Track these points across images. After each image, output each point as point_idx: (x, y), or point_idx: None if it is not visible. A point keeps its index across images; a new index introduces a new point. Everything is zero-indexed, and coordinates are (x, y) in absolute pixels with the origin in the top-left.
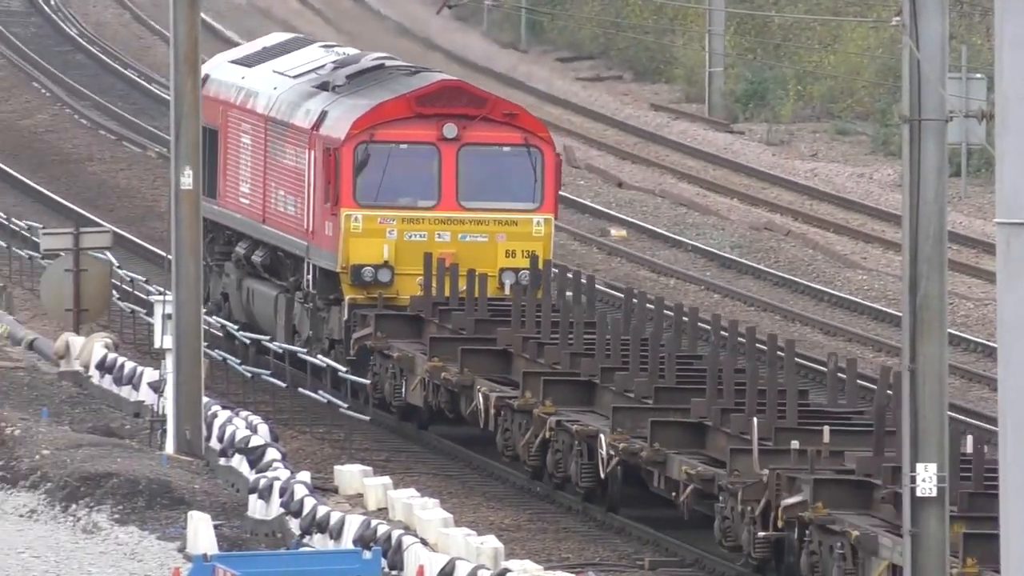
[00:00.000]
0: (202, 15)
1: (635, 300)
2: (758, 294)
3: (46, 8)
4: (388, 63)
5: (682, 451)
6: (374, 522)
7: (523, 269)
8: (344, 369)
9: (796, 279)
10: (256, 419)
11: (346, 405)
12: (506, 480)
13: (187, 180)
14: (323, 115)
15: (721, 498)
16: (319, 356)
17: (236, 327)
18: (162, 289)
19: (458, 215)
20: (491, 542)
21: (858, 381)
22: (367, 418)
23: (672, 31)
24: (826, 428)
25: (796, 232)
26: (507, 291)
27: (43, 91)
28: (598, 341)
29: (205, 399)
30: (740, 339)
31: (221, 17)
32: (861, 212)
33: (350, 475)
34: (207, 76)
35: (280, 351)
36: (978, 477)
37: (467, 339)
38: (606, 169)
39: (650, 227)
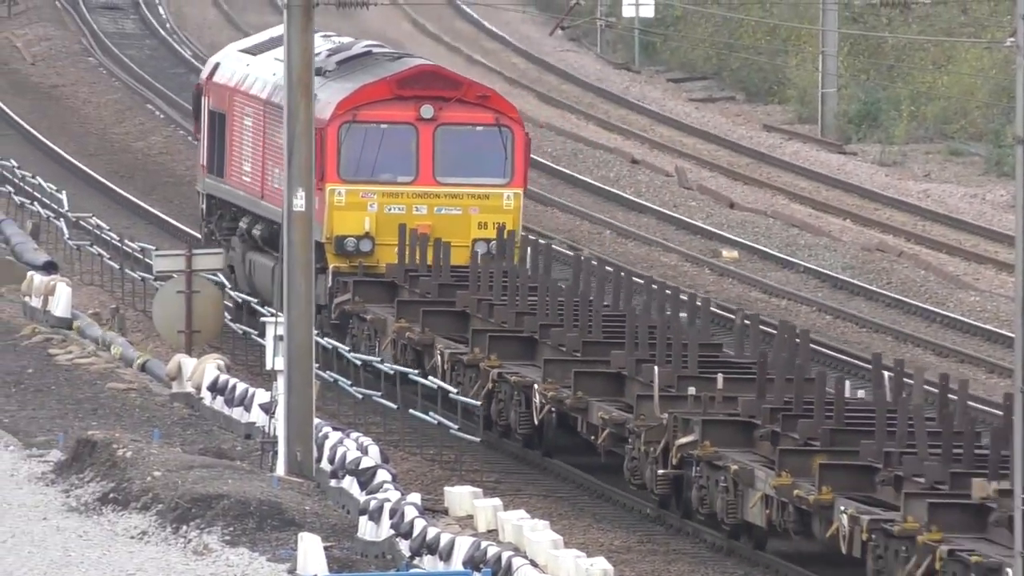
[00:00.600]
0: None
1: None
2: (870, 315)
3: (161, 31)
4: (376, 50)
5: (603, 399)
6: (484, 544)
7: (494, 239)
8: (455, 390)
9: (908, 300)
10: (367, 440)
11: (456, 426)
12: (617, 502)
13: (299, 202)
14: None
15: (629, 440)
16: (430, 378)
17: (347, 349)
18: (273, 310)
19: (434, 190)
20: (600, 564)
21: (969, 403)
22: (477, 439)
23: (785, 52)
24: (720, 376)
25: (908, 253)
26: (478, 260)
27: (157, 113)
28: (539, 302)
29: (316, 420)
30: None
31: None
32: (974, 233)
33: (460, 496)
34: (217, 64)
35: (391, 372)
36: None
37: (430, 302)
38: (718, 190)
39: (762, 248)
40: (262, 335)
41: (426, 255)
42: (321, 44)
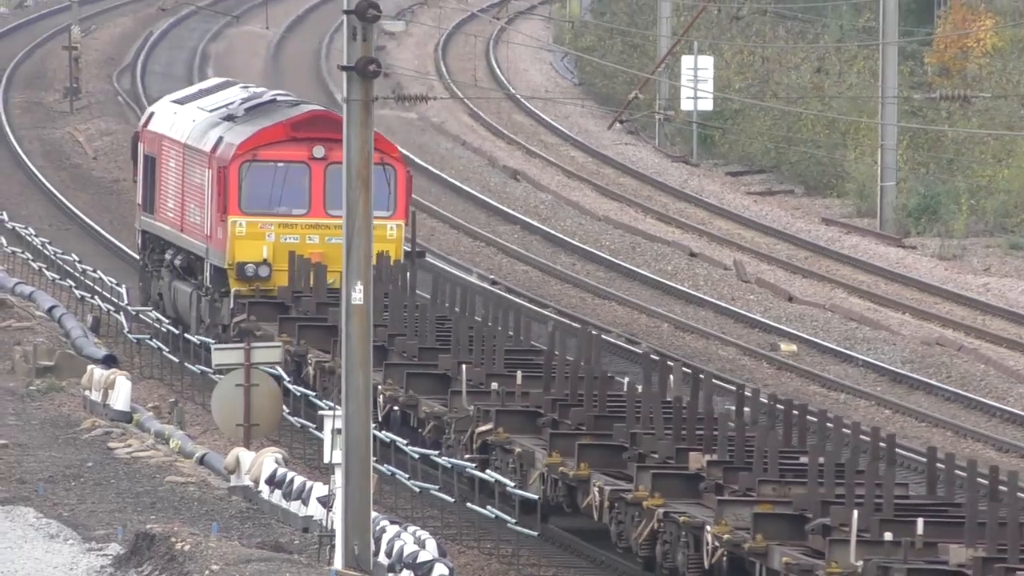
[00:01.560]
0: (375, 131)
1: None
2: (930, 410)
3: None
4: (280, 98)
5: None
6: None
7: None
8: (512, 484)
9: (968, 395)
10: (424, 534)
11: (514, 520)
12: None
13: (358, 296)
14: (219, 140)
15: (446, 431)
16: (488, 472)
17: (405, 443)
18: (331, 404)
19: (325, 221)
20: None
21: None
22: (535, 533)
23: (844, 145)
24: (519, 372)
25: (968, 347)
26: None
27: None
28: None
29: (374, 514)
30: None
31: (391, 133)
32: None
33: None
34: (152, 113)
35: (448, 465)
36: None
37: (308, 318)
38: (776, 283)
39: (820, 342)
40: (320, 428)
41: (309, 279)
42: (238, 93)
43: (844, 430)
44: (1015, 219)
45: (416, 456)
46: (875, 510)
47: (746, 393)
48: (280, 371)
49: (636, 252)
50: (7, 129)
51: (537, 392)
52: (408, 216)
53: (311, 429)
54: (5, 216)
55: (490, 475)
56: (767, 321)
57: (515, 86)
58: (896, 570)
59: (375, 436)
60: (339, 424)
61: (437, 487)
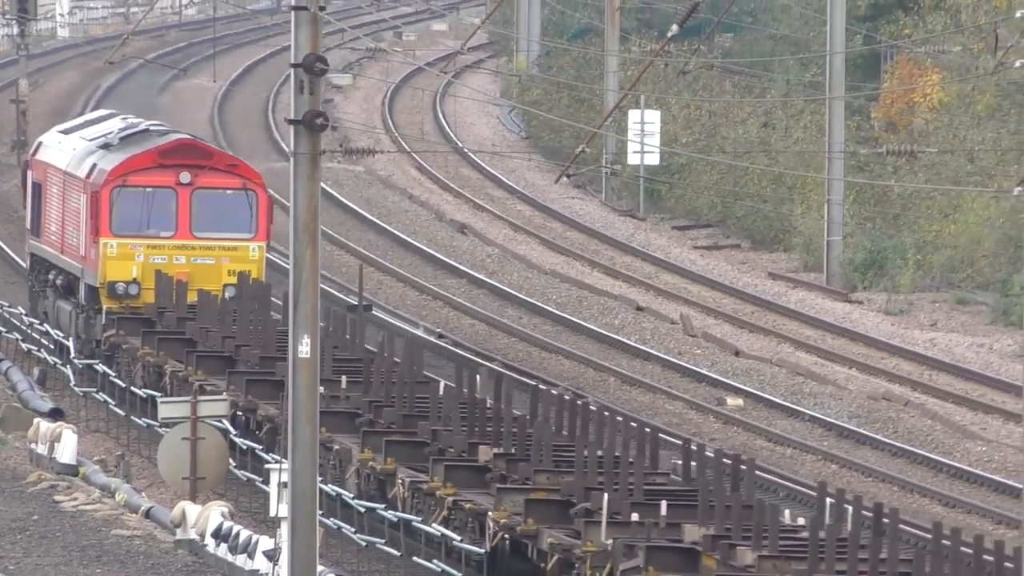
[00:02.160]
0: (322, 185)
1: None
2: (876, 464)
3: None
4: (152, 128)
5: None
6: None
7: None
8: (458, 538)
9: (915, 449)
10: None
11: (460, 574)
12: None
13: (304, 348)
14: (94, 167)
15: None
16: (433, 525)
17: (351, 496)
18: (278, 457)
19: (191, 242)
20: None
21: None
22: None
23: (791, 200)
24: (343, 377)
25: (915, 402)
26: (226, 299)
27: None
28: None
29: (320, 568)
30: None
31: (339, 186)
32: (981, 383)
33: None
34: (40, 143)
35: (395, 520)
36: None
37: (171, 332)
38: (723, 338)
39: (767, 396)
40: (266, 482)
41: (173, 296)
42: (117, 124)
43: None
44: (961, 274)
45: (363, 510)
46: (628, 495)
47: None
48: (226, 424)
49: (583, 306)
50: None
51: (357, 395)
52: (269, 238)
53: (257, 482)
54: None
55: (436, 528)
56: (714, 375)
57: (462, 140)
58: (639, 547)
59: (321, 489)
60: (285, 477)
61: (384, 540)
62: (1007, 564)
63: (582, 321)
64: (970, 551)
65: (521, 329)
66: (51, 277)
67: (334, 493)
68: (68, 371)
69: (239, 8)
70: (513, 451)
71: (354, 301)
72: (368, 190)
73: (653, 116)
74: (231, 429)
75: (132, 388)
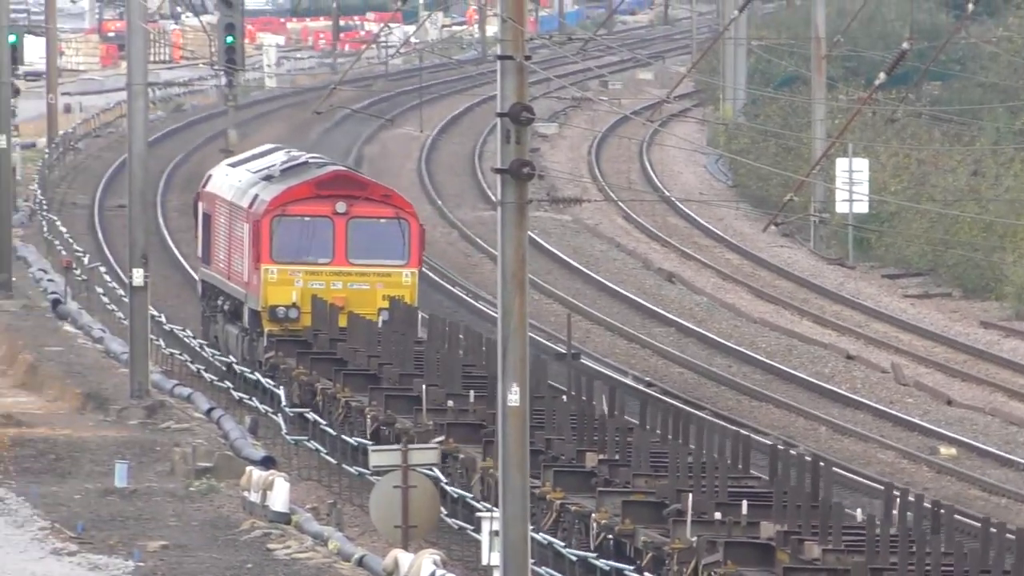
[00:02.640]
0: (529, 233)
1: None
2: None
3: None
4: (312, 160)
5: None
6: None
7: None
8: None
9: None
10: None
11: None
12: None
13: (514, 397)
14: (256, 197)
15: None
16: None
17: (562, 544)
18: (489, 505)
19: (347, 269)
20: None
21: None
22: None
23: (1002, 248)
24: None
25: None
26: (380, 324)
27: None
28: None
29: None
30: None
31: (547, 234)
32: None
33: None
34: (210, 176)
35: (607, 568)
36: None
37: (323, 353)
38: (935, 387)
39: (981, 446)
40: (478, 530)
41: (332, 319)
42: (280, 157)
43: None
44: None
45: (574, 558)
46: (714, 496)
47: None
48: (437, 472)
49: (792, 354)
50: (165, 232)
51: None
52: (420, 264)
53: (469, 531)
54: (163, 318)
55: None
56: (926, 424)
57: (669, 188)
58: (719, 543)
59: (533, 538)
60: (497, 526)
61: None
62: None
63: (792, 370)
64: None
65: (730, 378)
66: (220, 303)
67: (545, 541)
68: (280, 419)
69: (445, 58)
70: (616, 457)
71: (562, 350)
72: (575, 239)
73: (861, 164)
74: (442, 477)
75: (343, 436)
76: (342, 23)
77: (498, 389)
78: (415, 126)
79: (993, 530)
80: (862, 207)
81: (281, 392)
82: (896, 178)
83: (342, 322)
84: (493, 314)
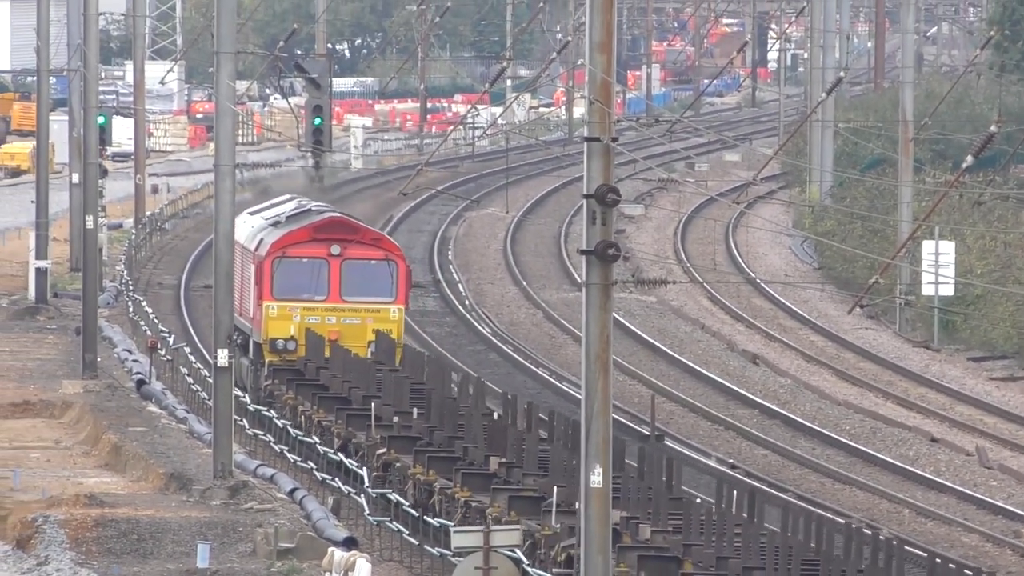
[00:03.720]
0: (614, 315)
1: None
2: None
3: (460, 308)
4: (314, 208)
5: None
6: None
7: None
8: None
9: None
10: None
11: None
12: None
13: (596, 479)
14: (261, 241)
15: None
16: None
17: None
18: None
19: (340, 305)
20: None
21: None
22: None
23: None
24: None
25: None
26: (369, 355)
27: (453, 386)
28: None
29: None
30: None
31: (631, 315)
32: None
33: None
34: None
35: None
36: None
37: (310, 380)
38: (1020, 470)
39: None
40: None
41: (322, 350)
42: (290, 206)
43: None
44: None
45: None
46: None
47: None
48: (519, 554)
49: (876, 437)
50: None
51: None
52: (408, 302)
53: None
54: (247, 397)
55: None
56: (1011, 508)
57: (754, 270)
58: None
59: None
60: None
61: None
62: None
63: (876, 452)
64: None
65: (814, 460)
66: (235, 338)
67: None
68: (362, 500)
69: (531, 139)
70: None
71: (646, 431)
72: (660, 320)
73: (948, 247)
74: (523, 559)
75: (425, 517)
76: (429, 105)
77: (581, 471)
78: (501, 207)
79: None
80: (948, 289)
81: (364, 473)
82: (982, 261)
83: (327, 353)
84: (577, 395)
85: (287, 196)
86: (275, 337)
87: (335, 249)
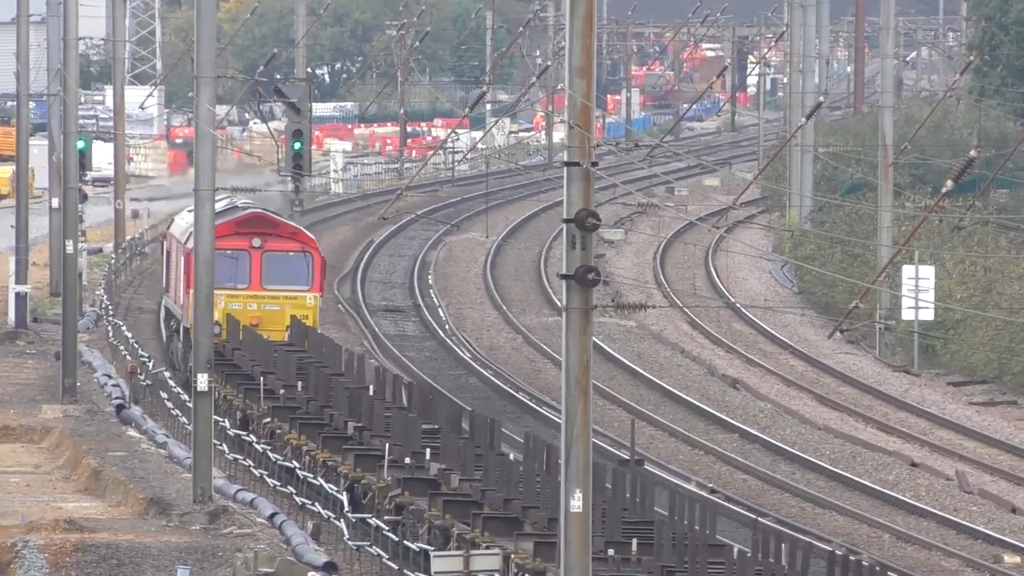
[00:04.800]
0: (593, 339)
1: None
2: None
3: (440, 332)
4: (240, 205)
5: None
6: None
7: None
8: None
9: None
10: None
11: None
12: None
13: (576, 503)
14: (190, 234)
15: None
16: None
17: None
18: None
19: (261, 293)
20: None
21: None
22: None
23: None
24: None
25: None
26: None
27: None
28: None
29: None
30: None
31: (611, 340)
32: None
33: None
34: (172, 220)
35: None
36: None
37: (226, 360)
38: (1000, 495)
39: None
40: None
41: (237, 335)
42: (223, 204)
43: None
44: None
45: None
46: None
47: None
48: None
49: (856, 462)
50: None
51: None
52: (323, 290)
53: None
54: (227, 423)
55: None
56: (990, 532)
57: (734, 294)
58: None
59: None
60: None
61: None
62: None
63: (856, 477)
64: None
65: (794, 485)
66: (172, 324)
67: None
68: (342, 525)
69: (511, 163)
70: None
71: (625, 456)
72: (640, 344)
73: (928, 272)
74: None
75: (405, 542)
76: (409, 129)
77: (561, 495)
78: (481, 231)
79: None
80: (928, 314)
81: (344, 497)
82: (962, 286)
83: (275, 337)
84: (557, 419)
85: (223, 195)
86: None
87: (256, 242)
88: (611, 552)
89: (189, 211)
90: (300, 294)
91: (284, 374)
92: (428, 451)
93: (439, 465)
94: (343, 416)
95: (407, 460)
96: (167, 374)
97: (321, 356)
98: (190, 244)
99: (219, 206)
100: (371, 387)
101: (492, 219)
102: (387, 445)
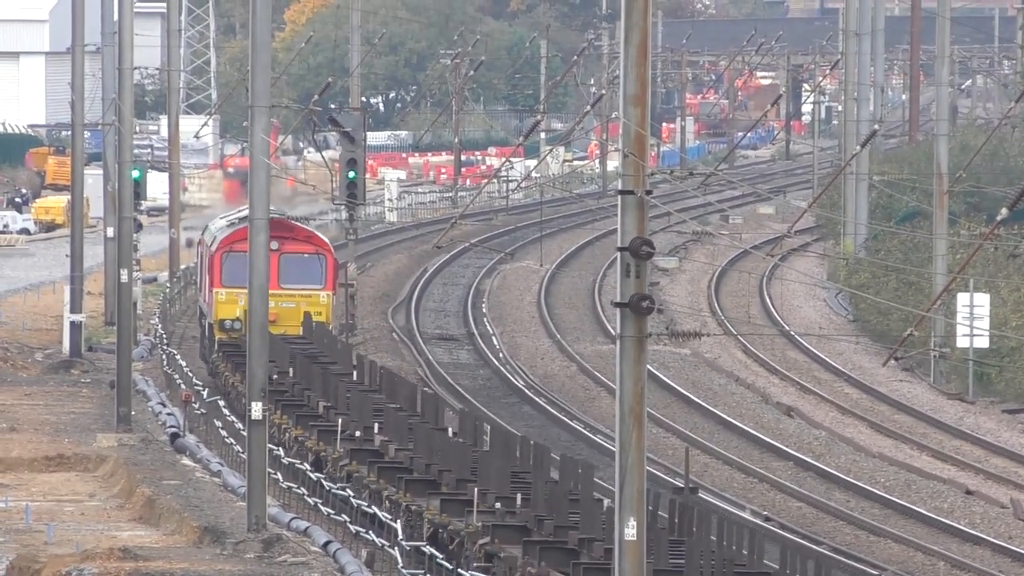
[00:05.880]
0: (648, 367)
1: None
2: None
3: (495, 361)
4: None
5: None
6: None
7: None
8: None
9: None
10: None
11: None
12: None
13: (630, 531)
14: (214, 239)
15: None
16: None
17: None
18: None
19: (278, 292)
20: None
21: None
22: None
23: None
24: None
25: None
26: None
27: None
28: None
29: None
30: None
31: (665, 368)
32: None
33: None
34: (207, 227)
35: None
36: None
37: (242, 353)
38: None
39: None
40: None
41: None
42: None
43: None
44: None
45: None
46: None
47: None
48: None
49: (911, 489)
50: None
51: None
52: (336, 290)
53: None
54: (281, 451)
55: None
56: None
57: (789, 322)
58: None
59: None
60: None
61: None
62: None
63: (910, 504)
64: None
65: (849, 512)
66: (203, 322)
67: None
68: (396, 553)
69: (565, 192)
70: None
71: (680, 484)
72: (694, 372)
73: (982, 299)
74: None
75: (459, 570)
76: (463, 157)
77: (616, 523)
78: (535, 259)
79: None
80: (983, 342)
81: (398, 526)
82: (1017, 313)
83: (291, 332)
84: (611, 448)
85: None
86: (223, 318)
87: (274, 244)
88: None
89: (220, 218)
90: (314, 292)
91: (357, 414)
92: (519, 496)
93: (531, 512)
94: (422, 460)
95: (497, 505)
96: (221, 403)
97: (391, 396)
98: (213, 246)
99: (243, 214)
100: (449, 429)
101: (546, 247)
102: (475, 490)
